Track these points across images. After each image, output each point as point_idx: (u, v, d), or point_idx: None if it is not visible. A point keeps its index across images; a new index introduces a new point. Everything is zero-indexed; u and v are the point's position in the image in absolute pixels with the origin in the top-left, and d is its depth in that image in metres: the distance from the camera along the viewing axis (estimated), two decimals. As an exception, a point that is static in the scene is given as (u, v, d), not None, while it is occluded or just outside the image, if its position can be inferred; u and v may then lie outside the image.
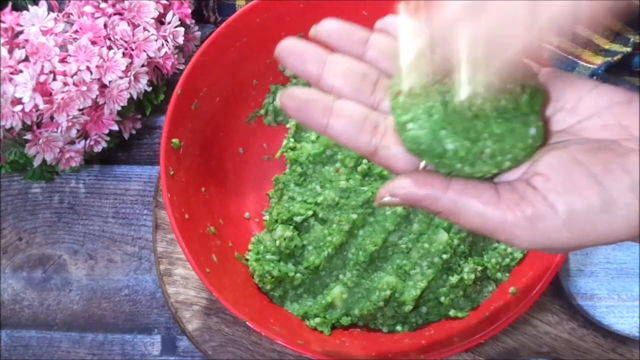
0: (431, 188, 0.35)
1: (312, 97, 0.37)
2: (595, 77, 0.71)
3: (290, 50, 0.39)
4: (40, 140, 0.64)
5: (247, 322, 0.55)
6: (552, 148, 0.36)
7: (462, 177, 0.36)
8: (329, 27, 0.40)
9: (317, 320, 0.62)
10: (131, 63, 0.65)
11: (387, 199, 0.37)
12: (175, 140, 0.61)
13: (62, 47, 0.62)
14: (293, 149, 0.68)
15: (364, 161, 0.65)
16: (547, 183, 0.34)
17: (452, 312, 0.62)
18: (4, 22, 0.62)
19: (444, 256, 0.61)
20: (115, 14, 0.65)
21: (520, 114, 0.36)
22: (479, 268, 0.61)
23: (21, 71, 0.59)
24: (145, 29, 0.66)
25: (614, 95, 0.37)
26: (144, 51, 0.65)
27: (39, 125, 0.63)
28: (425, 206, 0.36)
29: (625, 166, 0.33)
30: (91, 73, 0.62)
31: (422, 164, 0.37)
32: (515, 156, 0.36)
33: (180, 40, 0.69)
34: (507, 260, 0.62)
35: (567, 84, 0.39)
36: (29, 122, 0.61)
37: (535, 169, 0.36)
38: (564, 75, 0.40)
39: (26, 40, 0.61)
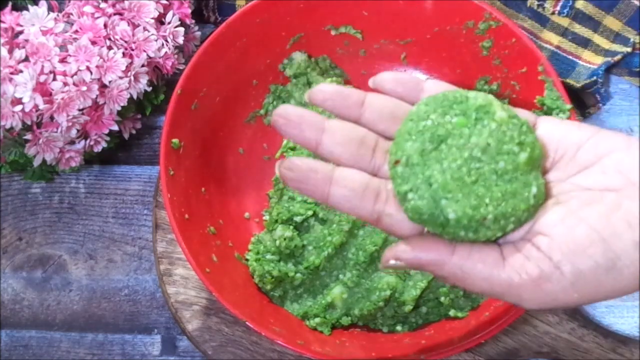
0: (436, 253, 0.35)
1: (311, 167, 0.37)
2: (595, 77, 0.71)
3: (288, 117, 0.38)
4: (40, 140, 0.64)
5: (247, 322, 0.55)
6: (553, 203, 0.36)
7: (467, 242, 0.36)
8: (323, 92, 0.40)
9: (317, 320, 0.62)
10: (131, 63, 0.65)
11: (392, 262, 0.37)
12: (175, 140, 0.61)
13: (62, 47, 0.62)
14: (293, 149, 0.68)
15: None
16: (551, 243, 0.34)
17: (452, 312, 0.62)
18: (4, 22, 0.62)
19: None
20: (115, 14, 0.65)
21: (520, 174, 0.36)
22: None
23: (21, 71, 0.59)
24: (145, 29, 0.65)
25: (612, 142, 0.37)
26: (144, 51, 0.65)
27: (39, 125, 0.63)
28: (430, 271, 0.36)
29: (627, 220, 0.33)
30: (91, 73, 0.62)
31: (426, 229, 0.37)
32: (519, 218, 0.36)
33: (180, 40, 0.69)
34: None
35: (565, 134, 0.38)
36: (29, 122, 0.61)
37: (538, 228, 0.35)
38: (562, 125, 0.39)
39: (26, 40, 0.61)
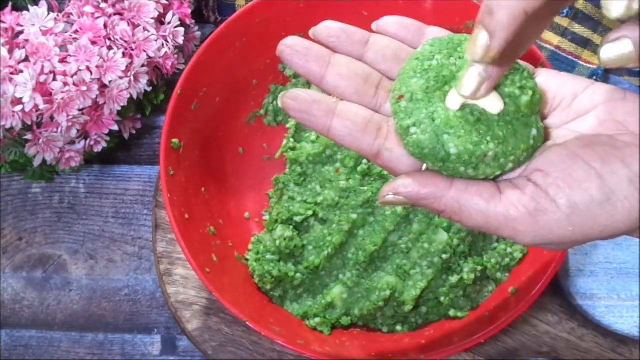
0: (434, 187, 0.36)
1: (315, 99, 0.37)
2: (595, 78, 0.71)
3: (294, 48, 0.39)
4: (41, 140, 0.64)
5: (247, 322, 0.55)
6: (550, 145, 0.37)
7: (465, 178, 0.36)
8: (328, 28, 0.40)
9: (317, 320, 0.62)
10: (131, 63, 0.65)
11: (390, 197, 0.37)
12: (175, 140, 0.61)
13: (62, 47, 0.63)
14: (293, 149, 0.68)
15: (364, 161, 0.65)
16: (547, 178, 0.34)
17: (452, 312, 0.62)
18: (4, 22, 0.62)
19: (444, 256, 0.61)
20: (115, 14, 0.65)
21: (521, 116, 0.37)
22: (479, 268, 0.62)
23: (21, 71, 0.60)
24: (145, 29, 0.66)
25: (608, 92, 0.38)
26: (144, 51, 0.66)
27: (39, 125, 0.63)
28: (428, 205, 0.36)
29: (623, 159, 0.34)
30: (91, 73, 0.62)
31: (425, 166, 0.37)
32: (518, 157, 0.36)
33: (180, 40, 0.69)
34: (507, 260, 0.62)
35: (562, 83, 0.39)
36: (29, 122, 0.62)
37: (534, 165, 0.36)
38: (559, 75, 0.40)
39: (26, 40, 0.61)
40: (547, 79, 0.40)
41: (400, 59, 0.40)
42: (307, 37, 0.40)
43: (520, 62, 0.40)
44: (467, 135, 0.35)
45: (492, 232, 0.35)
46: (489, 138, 0.36)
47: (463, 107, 0.36)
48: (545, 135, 0.38)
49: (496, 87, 0.37)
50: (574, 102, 0.38)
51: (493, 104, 0.36)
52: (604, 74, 0.72)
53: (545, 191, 0.34)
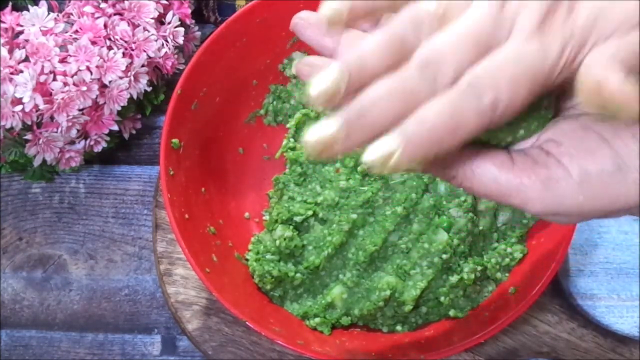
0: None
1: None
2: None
3: (308, 21, 0.39)
4: (41, 140, 0.64)
5: (247, 322, 0.55)
6: (562, 118, 0.37)
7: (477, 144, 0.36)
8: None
9: (317, 320, 0.62)
10: (131, 63, 0.65)
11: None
12: (175, 140, 0.61)
13: (62, 47, 0.63)
14: (293, 149, 0.68)
15: None
16: (559, 148, 0.35)
17: (452, 312, 0.62)
18: (4, 22, 0.62)
19: (444, 256, 0.61)
20: (115, 14, 0.65)
21: None
22: (479, 268, 0.62)
23: (21, 71, 0.60)
24: (145, 29, 0.66)
25: None
26: (144, 51, 0.66)
27: (39, 125, 0.64)
28: (440, 170, 0.36)
29: (635, 134, 0.34)
30: (91, 73, 0.62)
31: None
32: (529, 124, 0.36)
33: (180, 40, 0.69)
34: (507, 260, 0.62)
35: None
36: (29, 122, 0.62)
37: (547, 136, 0.36)
38: None
39: (26, 41, 0.61)
40: None
41: None
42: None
43: None
44: None
45: (503, 200, 0.35)
46: None
47: None
48: (555, 112, 0.38)
49: None
50: None
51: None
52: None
53: (558, 159, 0.34)
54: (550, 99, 0.37)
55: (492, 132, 0.36)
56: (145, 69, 0.66)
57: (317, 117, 0.66)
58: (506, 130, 0.36)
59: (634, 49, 0.30)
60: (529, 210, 0.35)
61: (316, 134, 0.34)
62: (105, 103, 0.65)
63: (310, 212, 0.64)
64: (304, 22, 0.39)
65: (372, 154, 0.31)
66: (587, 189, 0.34)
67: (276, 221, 0.65)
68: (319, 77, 0.33)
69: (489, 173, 0.35)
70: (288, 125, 0.70)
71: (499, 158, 0.35)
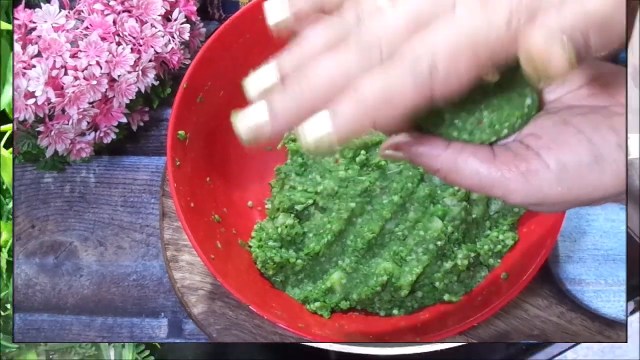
0: (431, 145, 0.36)
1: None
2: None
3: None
4: (52, 132, 0.65)
5: (250, 306, 0.56)
6: (544, 112, 0.37)
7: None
8: None
9: (317, 304, 0.62)
10: (139, 58, 0.65)
11: (389, 151, 0.37)
12: (181, 132, 0.61)
13: (73, 43, 0.63)
14: (294, 140, 0.67)
15: (362, 152, 0.65)
16: (538, 141, 0.35)
17: (446, 297, 0.62)
18: (17, 19, 0.62)
19: (439, 243, 0.61)
20: (124, 11, 0.66)
21: (517, 86, 0.37)
22: (472, 254, 0.62)
23: (34, 66, 0.60)
24: (152, 26, 0.66)
25: (602, 67, 0.38)
26: (152, 47, 0.66)
27: (50, 117, 0.64)
28: (424, 162, 0.37)
29: (612, 126, 0.34)
30: (101, 68, 0.63)
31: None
32: (513, 124, 0.36)
33: (186, 36, 0.69)
34: (499, 247, 0.63)
35: None
36: (41, 115, 0.62)
37: (528, 130, 0.36)
38: None
39: (39, 37, 0.62)
40: None
41: None
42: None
43: None
44: (462, 103, 0.35)
45: (485, 192, 0.36)
46: (482, 106, 0.36)
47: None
48: (541, 106, 0.38)
49: None
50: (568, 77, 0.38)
51: (489, 75, 0.36)
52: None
53: (537, 152, 0.35)
54: (534, 97, 0.37)
55: (475, 132, 0.36)
56: (152, 63, 0.67)
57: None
58: (489, 131, 0.36)
59: (573, 18, 0.29)
60: (510, 201, 0.36)
61: (244, 121, 0.34)
62: (114, 96, 0.65)
63: (310, 201, 0.64)
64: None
65: (308, 135, 0.31)
66: (564, 180, 0.34)
67: (278, 209, 0.65)
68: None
69: (472, 166, 0.35)
70: (289, 118, 0.70)
71: (482, 152, 0.36)
